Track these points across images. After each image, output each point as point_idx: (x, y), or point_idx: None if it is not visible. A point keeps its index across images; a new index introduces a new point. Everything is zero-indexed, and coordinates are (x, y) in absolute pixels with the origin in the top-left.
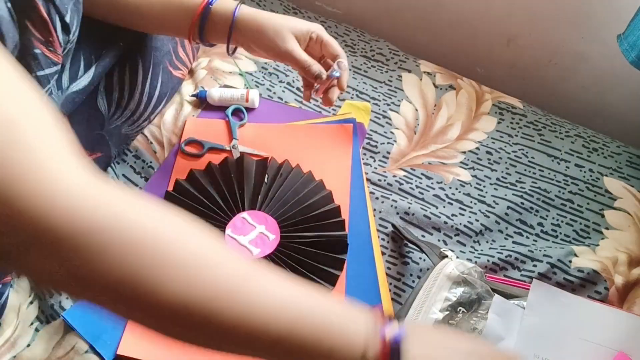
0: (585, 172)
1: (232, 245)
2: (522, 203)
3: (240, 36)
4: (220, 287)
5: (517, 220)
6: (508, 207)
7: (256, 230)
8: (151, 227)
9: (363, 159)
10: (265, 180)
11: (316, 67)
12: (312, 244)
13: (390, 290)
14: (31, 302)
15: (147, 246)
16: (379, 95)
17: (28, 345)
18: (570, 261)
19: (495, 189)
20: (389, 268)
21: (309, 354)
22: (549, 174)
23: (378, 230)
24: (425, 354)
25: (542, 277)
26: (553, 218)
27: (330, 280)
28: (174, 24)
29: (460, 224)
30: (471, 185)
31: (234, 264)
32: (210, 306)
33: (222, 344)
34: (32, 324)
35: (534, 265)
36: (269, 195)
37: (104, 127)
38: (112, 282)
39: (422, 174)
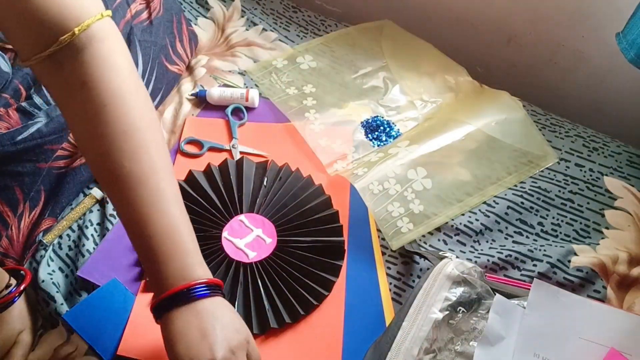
0: (585, 171)
1: (229, 248)
2: (522, 202)
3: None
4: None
5: (517, 219)
6: (508, 207)
7: (253, 233)
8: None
9: None
10: (264, 183)
11: None
12: (309, 249)
13: (390, 290)
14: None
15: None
16: None
17: (32, 350)
18: (569, 260)
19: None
20: (389, 268)
21: (160, 262)
22: (549, 173)
23: (378, 230)
24: (184, 325)
25: (542, 276)
26: (553, 217)
27: (326, 286)
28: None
29: (461, 223)
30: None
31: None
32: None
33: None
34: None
35: (534, 265)
36: (267, 199)
37: None
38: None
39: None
